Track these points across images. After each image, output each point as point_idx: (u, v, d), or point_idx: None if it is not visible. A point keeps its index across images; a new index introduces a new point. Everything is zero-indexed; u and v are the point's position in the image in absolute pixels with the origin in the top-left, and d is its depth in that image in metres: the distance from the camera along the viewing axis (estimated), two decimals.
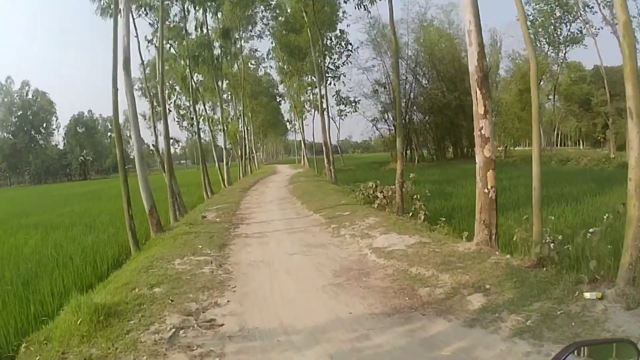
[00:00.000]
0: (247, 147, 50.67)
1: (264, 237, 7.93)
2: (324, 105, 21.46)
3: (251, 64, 40.21)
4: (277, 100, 53.31)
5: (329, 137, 22.55)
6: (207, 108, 24.56)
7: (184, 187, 23.70)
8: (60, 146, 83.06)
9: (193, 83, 21.08)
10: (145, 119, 74.12)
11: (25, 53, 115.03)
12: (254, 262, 5.99)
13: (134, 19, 13.19)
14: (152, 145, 18.09)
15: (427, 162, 37.36)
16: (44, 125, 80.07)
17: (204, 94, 24.80)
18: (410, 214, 8.48)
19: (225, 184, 22.73)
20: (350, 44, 33.09)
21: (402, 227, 7.21)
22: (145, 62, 25.56)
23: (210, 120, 25.51)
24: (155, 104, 38.22)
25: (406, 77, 37.45)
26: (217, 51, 23.95)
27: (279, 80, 43.03)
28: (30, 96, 77.69)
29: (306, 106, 40.09)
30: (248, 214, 11.00)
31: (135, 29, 15.11)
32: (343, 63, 32.90)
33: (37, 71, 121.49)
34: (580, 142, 66.09)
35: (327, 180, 20.23)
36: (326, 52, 32.45)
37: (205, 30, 19.83)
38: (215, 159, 23.33)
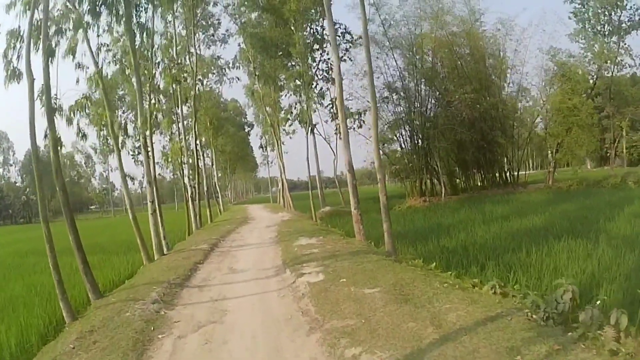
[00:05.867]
0: (212, 183, 39.82)
1: None
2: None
3: (212, 73, 30.24)
4: (246, 130, 46.97)
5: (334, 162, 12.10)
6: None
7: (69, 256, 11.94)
8: (19, 183, 76.44)
9: None
10: (95, 153, 62.70)
11: None
12: None
13: None
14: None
15: (454, 195, 27.39)
16: None
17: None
18: None
19: (154, 252, 11.45)
20: (349, 33, 23.86)
21: None
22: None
23: (117, 126, 13.06)
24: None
25: (420, 85, 28.19)
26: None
27: (249, 93, 33.30)
28: None
29: (286, 127, 29.89)
30: None
31: None
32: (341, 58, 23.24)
33: None
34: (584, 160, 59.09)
35: (363, 245, 9.44)
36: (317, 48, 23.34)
37: None
38: (130, 204, 11.80)
